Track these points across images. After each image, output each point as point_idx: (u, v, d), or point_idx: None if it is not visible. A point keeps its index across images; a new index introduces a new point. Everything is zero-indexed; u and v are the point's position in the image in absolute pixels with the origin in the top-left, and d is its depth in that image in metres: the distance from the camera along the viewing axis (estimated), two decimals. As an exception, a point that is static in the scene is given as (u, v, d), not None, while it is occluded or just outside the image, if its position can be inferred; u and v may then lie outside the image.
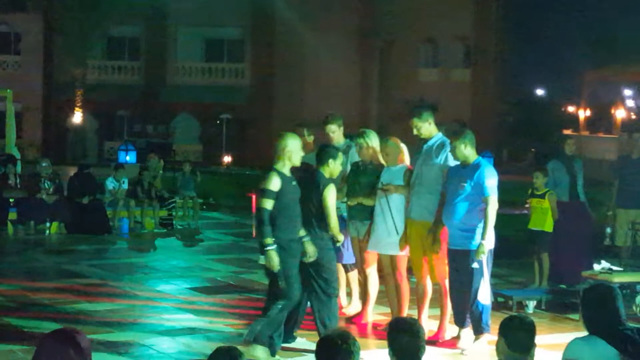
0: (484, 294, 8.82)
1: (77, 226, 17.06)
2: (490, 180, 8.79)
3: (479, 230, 8.71)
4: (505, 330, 4.96)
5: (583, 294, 5.55)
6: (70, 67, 42.31)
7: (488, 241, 8.67)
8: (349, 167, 10.08)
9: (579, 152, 12.74)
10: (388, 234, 9.38)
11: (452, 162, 9.11)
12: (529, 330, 4.97)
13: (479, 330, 8.87)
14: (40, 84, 43.52)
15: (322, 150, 9.05)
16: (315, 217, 8.73)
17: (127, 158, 29.88)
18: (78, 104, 42.86)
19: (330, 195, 8.70)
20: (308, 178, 8.90)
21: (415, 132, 9.33)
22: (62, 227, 17.13)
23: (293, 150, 8.46)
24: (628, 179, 13.04)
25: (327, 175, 8.84)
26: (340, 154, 9.08)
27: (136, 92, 43.59)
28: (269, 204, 8.24)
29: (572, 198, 12.45)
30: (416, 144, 9.47)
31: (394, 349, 4.81)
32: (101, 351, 8.49)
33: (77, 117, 42.99)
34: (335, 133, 10.47)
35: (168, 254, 15.52)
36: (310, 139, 11.06)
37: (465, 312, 8.91)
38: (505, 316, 5.23)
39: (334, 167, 8.89)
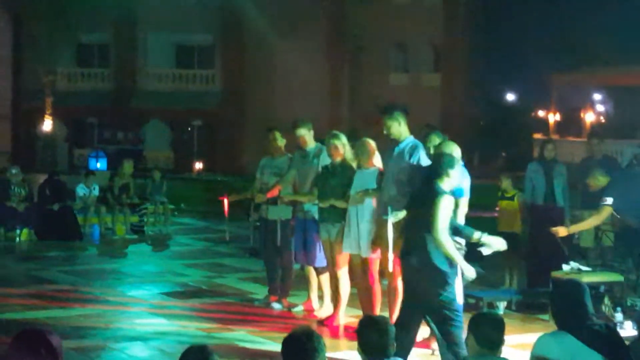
0: (457, 294, 8.85)
1: (47, 233, 16.97)
2: (463, 181, 8.83)
3: None
4: (474, 326, 5.01)
5: (552, 289, 5.62)
6: (40, 75, 42.03)
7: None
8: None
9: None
10: (361, 236, 9.40)
11: (426, 164, 9.12)
12: (498, 327, 5.01)
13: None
14: (9, 92, 43.17)
15: (439, 159, 7.98)
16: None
17: (98, 165, 29.75)
18: (48, 112, 42.54)
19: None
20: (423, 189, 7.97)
21: (385, 131, 9.19)
22: (33, 234, 17.03)
23: None
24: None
25: (446, 187, 7.69)
26: (458, 161, 8.12)
27: (106, 99, 43.33)
28: None
29: (547, 202, 12.52)
30: (387, 148, 9.45)
31: (363, 346, 4.87)
32: (73, 356, 8.46)
33: (47, 125, 42.68)
34: (306, 137, 10.54)
35: (139, 260, 15.49)
36: (282, 142, 11.14)
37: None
38: (475, 315, 5.27)
39: (453, 177, 7.78)
